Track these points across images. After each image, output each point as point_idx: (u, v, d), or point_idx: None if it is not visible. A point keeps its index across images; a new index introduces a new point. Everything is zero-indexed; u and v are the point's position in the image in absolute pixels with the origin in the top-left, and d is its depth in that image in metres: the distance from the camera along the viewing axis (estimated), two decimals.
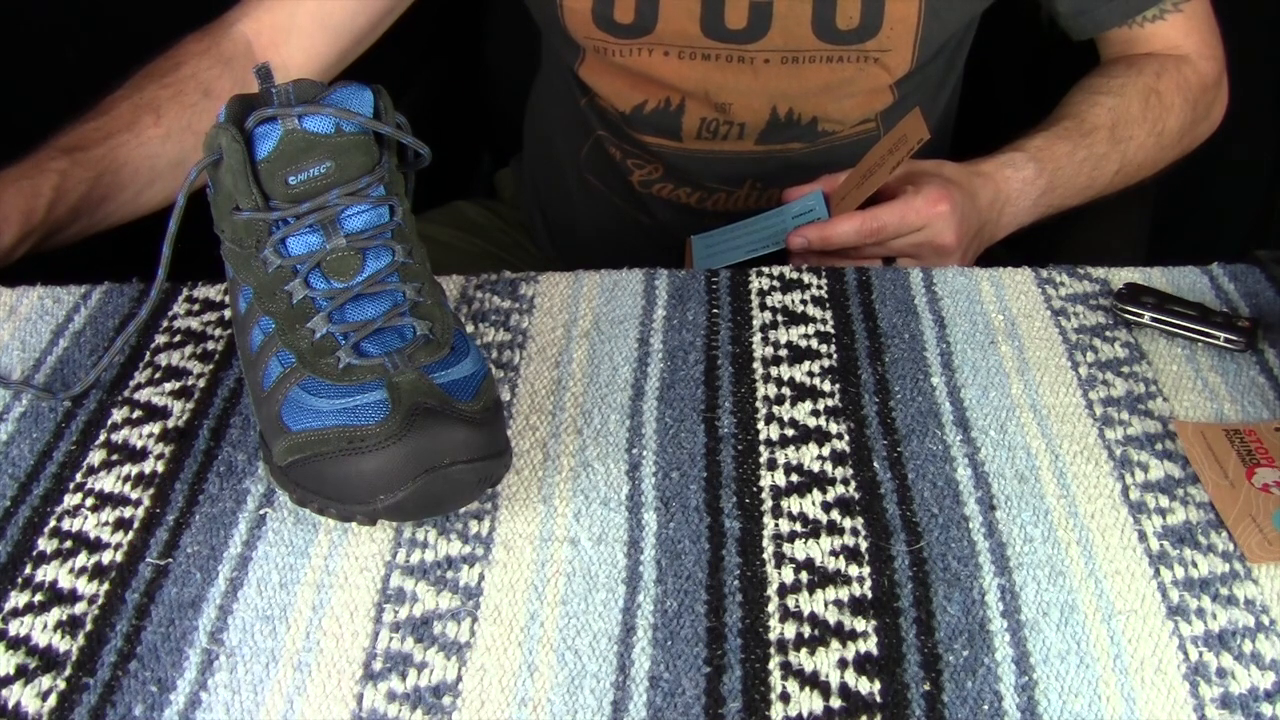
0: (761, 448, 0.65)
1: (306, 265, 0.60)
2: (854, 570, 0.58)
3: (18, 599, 0.57)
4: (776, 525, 0.60)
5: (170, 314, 0.77)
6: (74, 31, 1.27)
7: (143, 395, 0.70)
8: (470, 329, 0.74)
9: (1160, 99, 0.96)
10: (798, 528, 0.60)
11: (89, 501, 0.63)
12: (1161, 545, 0.59)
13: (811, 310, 0.76)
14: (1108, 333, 0.73)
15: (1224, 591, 0.56)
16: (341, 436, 0.56)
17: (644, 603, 0.56)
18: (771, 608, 0.56)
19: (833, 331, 0.74)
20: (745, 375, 0.70)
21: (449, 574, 0.58)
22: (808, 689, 0.52)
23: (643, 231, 1.07)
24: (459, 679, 0.53)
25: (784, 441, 0.65)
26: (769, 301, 0.76)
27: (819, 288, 0.78)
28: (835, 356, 0.72)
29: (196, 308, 0.77)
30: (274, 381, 0.60)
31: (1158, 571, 0.57)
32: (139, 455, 0.66)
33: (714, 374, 0.70)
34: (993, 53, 1.10)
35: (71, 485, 0.64)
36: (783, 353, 0.72)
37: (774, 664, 0.53)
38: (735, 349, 0.72)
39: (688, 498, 0.62)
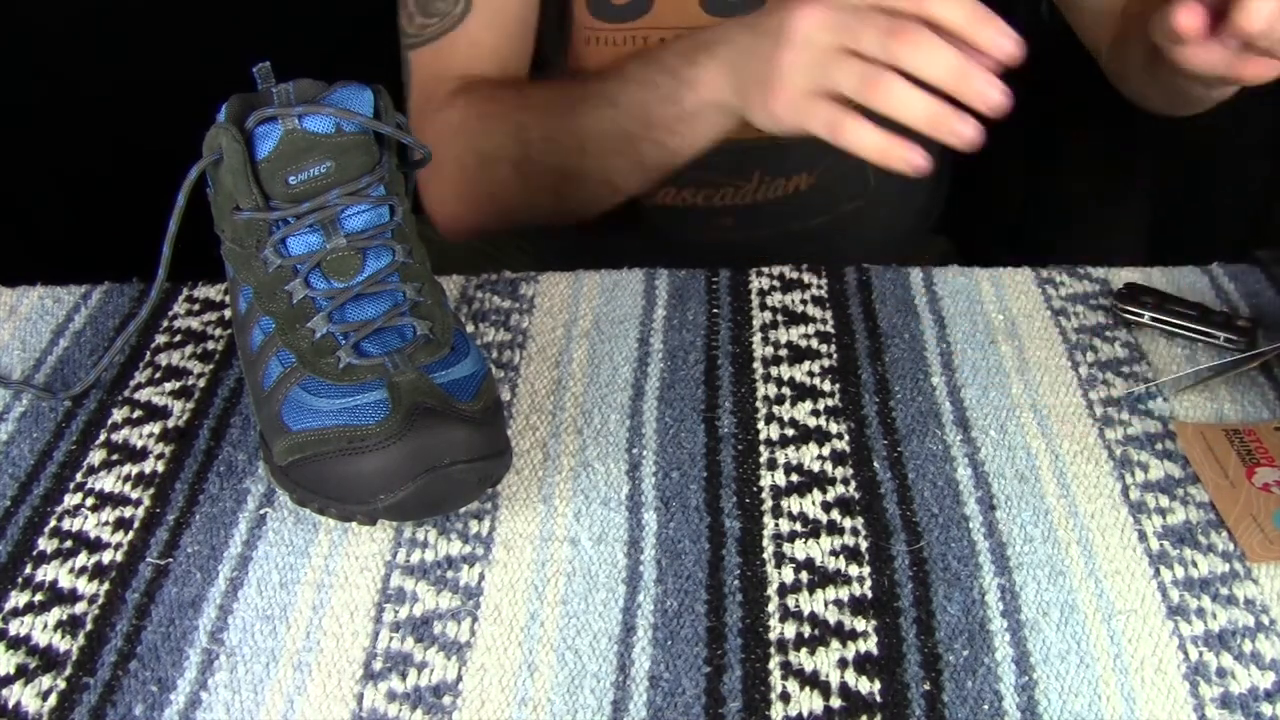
0: (761, 447, 0.65)
1: (307, 265, 0.60)
2: (854, 570, 0.58)
3: (18, 599, 0.57)
4: (776, 525, 0.60)
5: (170, 314, 0.77)
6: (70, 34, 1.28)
7: (143, 395, 0.70)
8: (470, 329, 0.74)
9: None
10: (798, 527, 0.60)
11: (89, 501, 0.63)
12: (1161, 545, 0.59)
13: (811, 310, 0.76)
14: (1108, 333, 0.73)
15: (1224, 591, 0.56)
16: (341, 436, 0.56)
17: (644, 602, 0.56)
18: (771, 607, 0.56)
19: (833, 331, 0.74)
20: (745, 375, 0.70)
21: (449, 574, 0.58)
22: (808, 689, 0.52)
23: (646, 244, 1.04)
24: (459, 679, 0.53)
25: (784, 441, 0.65)
26: (769, 301, 0.76)
27: (819, 288, 0.78)
28: (835, 356, 0.72)
29: (196, 308, 0.77)
30: (274, 381, 0.60)
31: (1158, 571, 0.57)
32: (139, 455, 0.66)
33: (714, 374, 0.70)
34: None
35: (71, 485, 0.64)
36: (783, 352, 0.72)
37: (774, 664, 0.53)
38: (735, 349, 0.72)
39: (688, 497, 0.62)
